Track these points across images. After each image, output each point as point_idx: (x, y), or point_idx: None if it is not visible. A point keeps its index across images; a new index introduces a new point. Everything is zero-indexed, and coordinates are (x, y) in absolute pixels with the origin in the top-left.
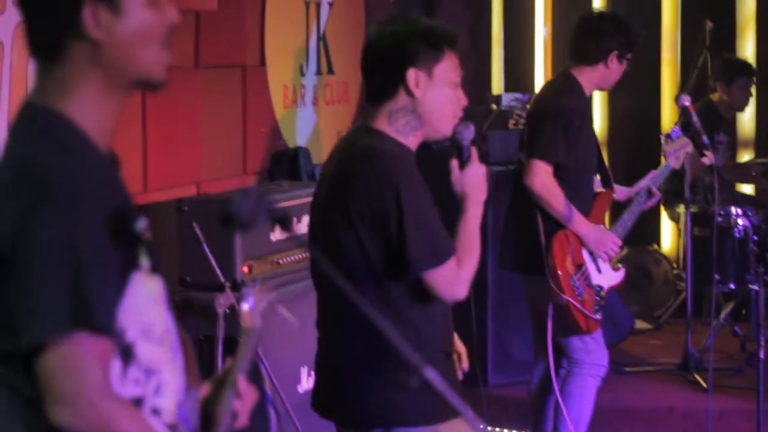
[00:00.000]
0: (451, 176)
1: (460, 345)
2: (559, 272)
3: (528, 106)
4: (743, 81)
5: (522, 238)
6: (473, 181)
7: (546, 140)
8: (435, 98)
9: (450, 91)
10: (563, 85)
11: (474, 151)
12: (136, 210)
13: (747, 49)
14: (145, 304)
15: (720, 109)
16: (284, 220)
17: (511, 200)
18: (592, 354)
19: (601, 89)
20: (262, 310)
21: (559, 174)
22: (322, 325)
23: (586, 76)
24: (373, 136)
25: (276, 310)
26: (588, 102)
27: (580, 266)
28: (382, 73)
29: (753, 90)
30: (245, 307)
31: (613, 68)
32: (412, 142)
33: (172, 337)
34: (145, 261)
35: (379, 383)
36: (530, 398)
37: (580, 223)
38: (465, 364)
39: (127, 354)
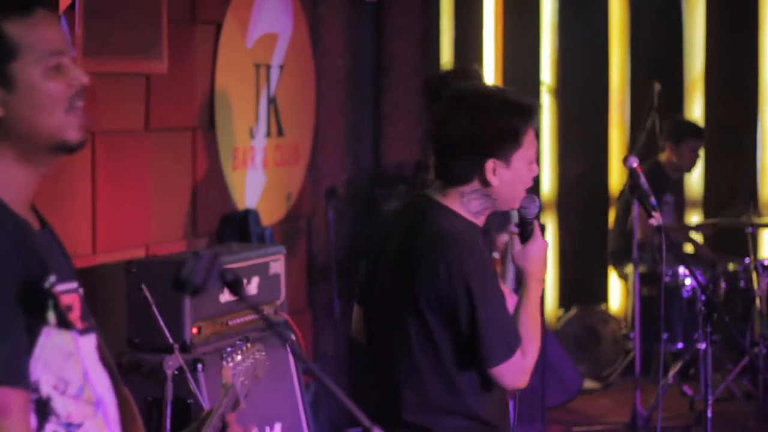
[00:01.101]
0: (511, 251)
1: None
2: None
3: None
4: (692, 142)
5: None
6: (536, 257)
7: None
8: (510, 182)
9: (526, 170)
10: None
11: (537, 226)
12: (56, 269)
13: (695, 110)
14: (56, 359)
15: (668, 169)
16: (235, 284)
17: None
18: None
19: None
20: (244, 371)
21: None
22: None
23: None
24: (443, 215)
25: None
26: None
27: None
28: (459, 161)
29: (701, 151)
30: (226, 363)
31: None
32: (481, 219)
33: (100, 392)
34: (52, 317)
35: None
36: None
37: None
38: None
39: (43, 408)
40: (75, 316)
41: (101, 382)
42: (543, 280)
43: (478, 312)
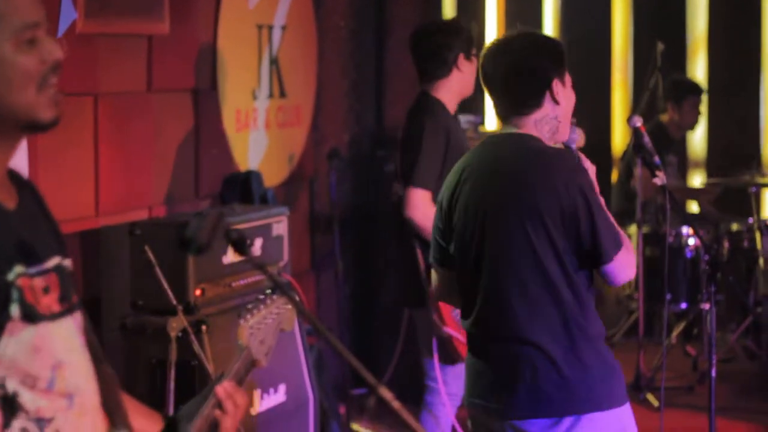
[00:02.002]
0: None
1: None
2: (440, 304)
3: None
4: (693, 99)
5: (403, 272)
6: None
7: (418, 167)
8: (568, 104)
9: (571, 92)
10: (423, 108)
11: (580, 154)
12: (30, 251)
13: (698, 70)
14: (22, 354)
15: (670, 129)
16: (240, 242)
17: (392, 234)
18: (452, 386)
19: (464, 95)
20: (265, 329)
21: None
22: (493, 317)
23: (443, 90)
24: (534, 141)
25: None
26: (454, 117)
27: None
28: (529, 86)
29: (702, 109)
30: (242, 322)
31: (467, 69)
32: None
33: (76, 381)
34: (17, 311)
35: (577, 371)
36: None
37: None
38: None
39: (10, 405)
40: (52, 298)
41: (79, 369)
42: (598, 196)
43: (595, 217)
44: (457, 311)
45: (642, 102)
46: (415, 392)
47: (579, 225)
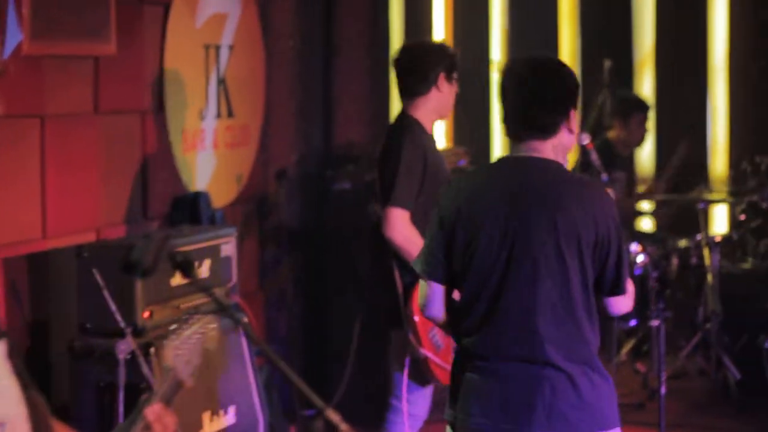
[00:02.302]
0: None
1: None
2: (417, 324)
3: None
4: (639, 116)
5: (380, 292)
6: None
7: (397, 186)
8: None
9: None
10: (401, 126)
11: None
12: None
13: (645, 87)
14: None
15: (617, 146)
16: (186, 265)
17: (369, 253)
18: (417, 406)
19: (442, 117)
20: (190, 348)
21: (413, 218)
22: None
23: (421, 109)
24: (560, 167)
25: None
26: (431, 137)
27: None
28: (552, 112)
29: (650, 125)
30: (170, 344)
31: (446, 90)
32: None
33: (5, 410)
34: None
35: (591, 391)
36: None
37: None
38: None
39: None
40: None
41: (8, 396)
42: None
43: (622, 249)
44: (435, 332)
45: (590, 119)
46: (367, 412)
47: (609, 255)
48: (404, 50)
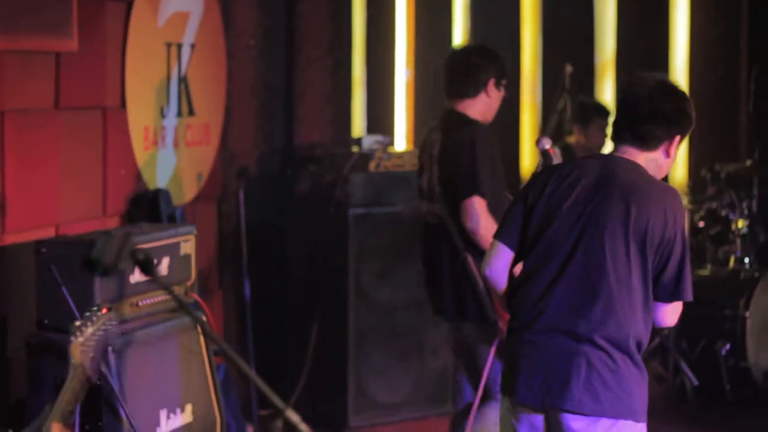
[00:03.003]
0: None
1: None
2: (502, 314)
3: (414, 150)
4: (599, 122)
5: (455, 286)
6: None
7: (473, 175)
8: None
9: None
10: (460, 120)
11: None
12: None
13: (606, 92)
14: None
15: (577, 151)
16: (147, 263)
17: (429, 249)
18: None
19: (485, 120)
20: (94, 345)
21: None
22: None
23: (470, 110)
24: (646, 172)
25: None
26: (489, 128)
27: None
28: (662, 131)
29: (608, 131)
30: (73, 340)
31: (494, 96)
32: None
33: None
34: None
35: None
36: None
37: None
38: None
39: None
40: None
41: None
42: None
43: (685, 257)
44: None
45: (551, 124)
46: (324, 410)
47: (670, 258)
48: (459, 52)
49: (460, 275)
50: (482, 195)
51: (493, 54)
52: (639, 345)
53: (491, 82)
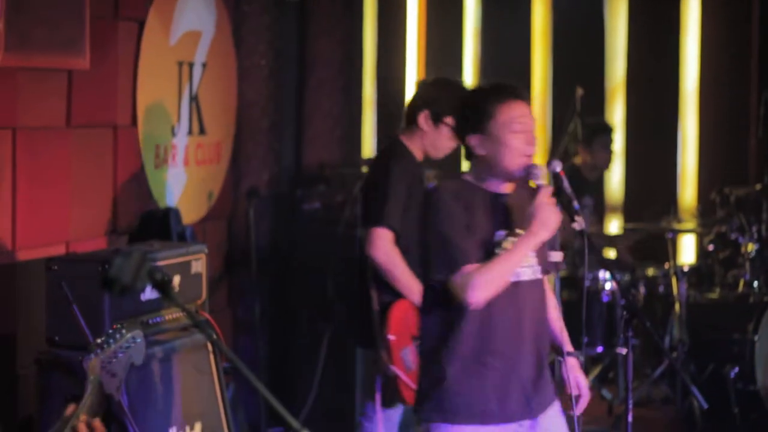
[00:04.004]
0: None
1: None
2: (391, 342)
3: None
4: (602, 139)
5: (357, 311)
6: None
7: (381, 207)
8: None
9: None
10: (390, 151)
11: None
12: None
13: (616, 115)
14: None
15: (584, 172)
16: (164, 283)
17: (353, 274)
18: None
19: (430, 155)
20: (117, 363)
21: (397, 241)
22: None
23: (410, 140)
24: None
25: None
26: (420, 165)
27: (414, 339)
28: None
29: (615, 147)
30: (93, 356)
31: (428, 130)
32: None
33: None
34: None
35: None
36: None
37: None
38: None
39: None
40: None
41: None
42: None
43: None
44: (408, 351)
45: (561, 146)
46: (333, 429)
47: None
48: (419, 82)
49: (360, 300)
50: (388, 227)
51: (441, 89)
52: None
53: (423, 115)
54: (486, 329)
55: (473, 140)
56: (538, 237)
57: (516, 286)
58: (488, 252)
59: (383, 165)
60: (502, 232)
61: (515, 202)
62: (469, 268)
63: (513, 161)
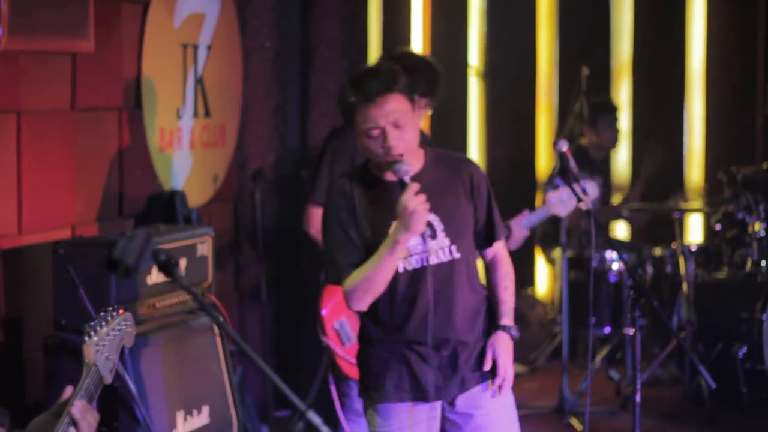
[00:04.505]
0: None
1: None
2: (324, 316)
3: None
4: (607, 118)
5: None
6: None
7: (312, 184)
8: None
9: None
10: (341, 128)
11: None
12: None
13: (622, 95)
14: None
15: (591, 151)
16: (169, 264)
17: None
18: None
19: None
20: (109, 345)
21: None
22: None
23: None
24: None
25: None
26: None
27: None
28: None
29: (620, 126)
30: (87, 340)
31: None
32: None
33: None
34: None
35: None
36: None
37: None
38: None
39: None
40: None
41: None
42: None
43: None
44: (343, 323)
45: (567, 126)
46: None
47: None
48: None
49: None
50: (318, 204)
51: (412, 63)
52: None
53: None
54: (389, 316)
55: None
56: (402, 239)
57: (411, 275)
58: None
59: (324, 142)
60: (394, 222)
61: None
62: (346, 276)
63: (380, 162)
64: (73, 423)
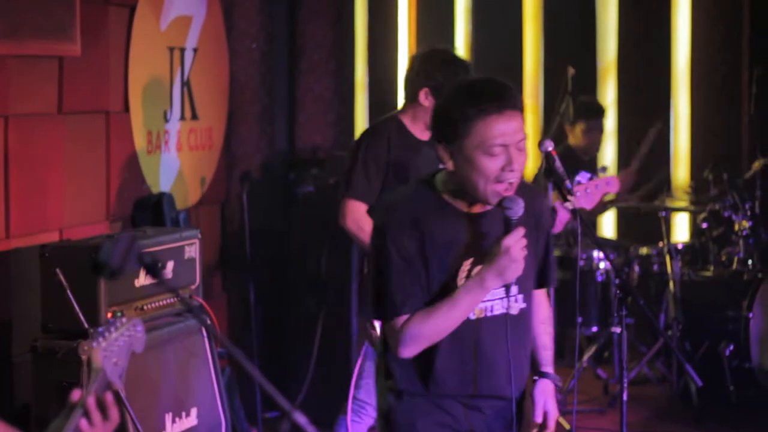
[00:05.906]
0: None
1: None
2: None
3: None
4: (586, 123)
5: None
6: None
7: (346, 178)
8: None
9: None
10: (377, 125)
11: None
12: None
13: (608, 95)
14: None
15: (578, 152)
16: (154, 266)
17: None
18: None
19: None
20: (118, 351)
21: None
22: None
23: (409, 114)
24: None
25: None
26: (412, 139)
27: None
28: None
29: (605, 128)
30: (95, 345)
31: (430, 106)
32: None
33: None
34: None
35: None
36: None
37: None
38: None
39: None
40: None
41: None
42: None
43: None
44: None
45: (552, 126)
46: (328, 414)
47: None
48: (414, 55)
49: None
50: (355, 198)
51: (439, 62)
52: None
53: (423, 92)
54: (427, 371)
55: (443, 152)
56: (492, 284)
57: (469, 324)
58: (450, 282)
59: (360, 137)
60: (468, 261)
61: (488, 225)
62: (403, 320)
63: (486, 188)
64: (86, 414)
